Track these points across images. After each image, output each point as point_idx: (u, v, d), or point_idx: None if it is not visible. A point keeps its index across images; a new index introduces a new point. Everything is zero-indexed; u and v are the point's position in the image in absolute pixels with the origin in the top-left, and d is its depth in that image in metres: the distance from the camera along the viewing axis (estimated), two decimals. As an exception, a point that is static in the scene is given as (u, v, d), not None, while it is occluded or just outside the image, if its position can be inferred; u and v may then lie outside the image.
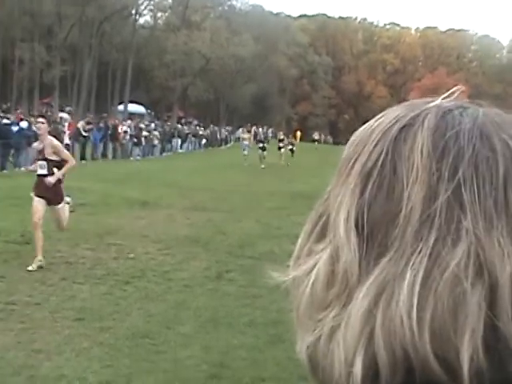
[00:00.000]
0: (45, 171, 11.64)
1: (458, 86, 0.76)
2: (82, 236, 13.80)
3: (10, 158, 29.72)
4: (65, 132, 35.10)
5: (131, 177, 27.22)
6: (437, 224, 0.63)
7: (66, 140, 35.16)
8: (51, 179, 11.54)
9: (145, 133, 46.64)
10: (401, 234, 0.64)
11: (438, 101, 0.73)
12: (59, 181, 11.81)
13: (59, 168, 11.76)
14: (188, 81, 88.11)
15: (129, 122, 46.94)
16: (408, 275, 0.61)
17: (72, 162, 12.49)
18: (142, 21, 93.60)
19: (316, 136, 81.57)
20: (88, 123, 39.91)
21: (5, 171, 28.09)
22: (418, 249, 0.62)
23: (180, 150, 55.41)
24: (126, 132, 42.75)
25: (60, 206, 11.95)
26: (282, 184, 28.40)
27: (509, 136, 0.67)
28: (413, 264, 0.62)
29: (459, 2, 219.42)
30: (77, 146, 37.23)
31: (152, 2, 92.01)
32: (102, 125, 41.01)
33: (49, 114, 46.55)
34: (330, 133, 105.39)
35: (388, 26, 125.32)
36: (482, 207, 0.63)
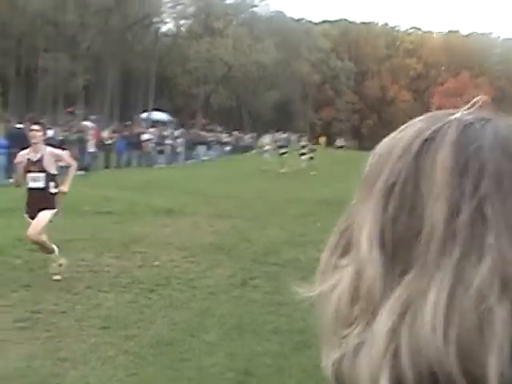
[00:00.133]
0: (41, 184, 10.82)
1: (481, 96, 0.75)
2: (107, 244, 13.84)
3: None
4: (89, 140, 35.29)
5: (156, 185, 27.27)
6: (460, 240, 0.62)
7: (91, 148, 35.36)
8: (64, 188, 11.16)
9: (168, 141, 46.71)
10: (424, 251, 0.64)
11: (460, 112, 0.72)
12: (54, 193, 11.09)
13: (52, 181, 11.02)
14: (211, 88, 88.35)
15: (152, 129, 47.01)
16: (432, 293, 0.61)
17: (74, 166, 11.98)
18: (164, 29, 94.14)
19: (340, 142, 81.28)
20: (112, 132, 40.08)
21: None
22: (442, 266, 0.62)
23: (204, 158, 55.40)
24: (149, 140, 42.83)
25: (46, 211, 10.91)
26: (307, 190, 28.33)
27: None
28: (437, 281, 0.61)
29: (482, 6, 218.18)
30: (101, 155, 37.39)
31: (174, 10, 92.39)
32: (126, 133, 41.14)
33: (74, 122, 46.91)
34: (354, 138, 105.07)
35: (410, 31, 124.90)
36: (505, 222, 0.62)
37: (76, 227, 15.47)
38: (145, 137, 42.87)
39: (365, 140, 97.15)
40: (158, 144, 44.42)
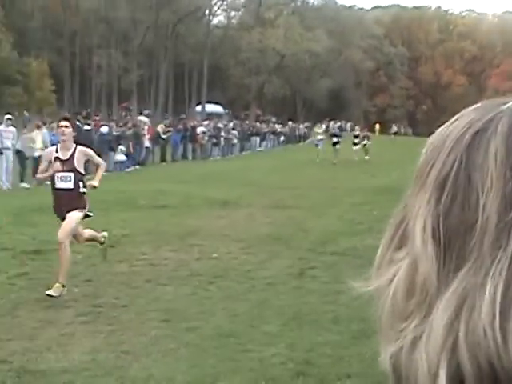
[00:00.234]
0: (70, 185, 10.06)
1: None
2: (165, 238, 13.95)
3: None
4: (144, 135, 35.59)
5: (211, 177, 27.40)
6: None
7: (147, 143, 35.67)
8: (94, 182, 10.43)
9: (223, 133, 46.85)
10: (478, 244, 0.63)
11: None
12: (83, 193, 10.36)
13: (81, 181, 10.31)
14: (263, 78, 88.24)
15: (206, 122, 47.18)
16: (488, 286, 0.60)
17: (104, 165, 11.29)
18: (215, 21, 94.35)
19: (394, 129, 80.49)
20: (167, 126, 40.33)
21: (87, 176, 28.59)
22: (497, 258, 0.61)
23: (259, 149, 55.45)
24: (204, 133, 42.99)
25: (75, 212, 10.12)
26: (362, 179, 28.17)
27: None
28: (493, 274, 0.61)
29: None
30: (157, 149, 37.68)
31: (225, 2, 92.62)
32: (180, 126, 41.36)
33: (128, 117, 47.35)
34: (409, 124, 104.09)
35: (464, 14, 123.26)
36: None
37: (133, 222, 15.65)
38: (199, 130, 43.06)
39: (420, 126, 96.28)
40: (212, 136, 44.59)
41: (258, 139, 56.09)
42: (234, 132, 49.66)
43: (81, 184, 10.21)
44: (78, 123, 29.89)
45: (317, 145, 42.88)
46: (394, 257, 0.71)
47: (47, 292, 9.25)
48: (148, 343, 7.73)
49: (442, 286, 0.64)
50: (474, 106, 0.73)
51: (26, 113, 42.82)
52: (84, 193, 10.33)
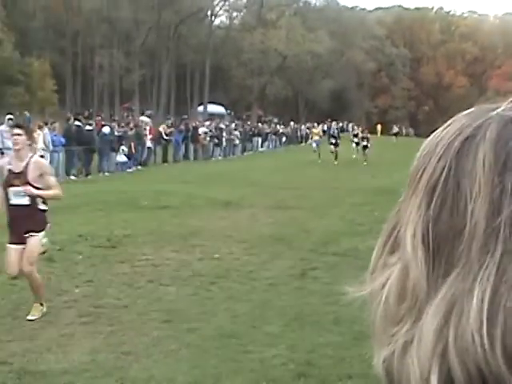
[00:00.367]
0: (26, 201, 8.59)
1: None
2: (167, 238, 13.94)
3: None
4: (146, 135, 35.63)
5: (213, 177, 27.41)
6: (502, 238, 0.62)
7: (148, 143, 35.70)
8: (35, 191, 8.61)
9: (225, 133, 46.88)
10: (467, 250, 0.64)
11: (503, 106, 0.71)
12: (43, 210, 8.90)
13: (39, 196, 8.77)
14: (266, 79, 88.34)
15: (207, 122, 47.18)
16: (476, 291, 0.61)
17: (60, 192, 9.16)
18: (217, 21, 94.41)
19: (395, 129, 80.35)
20: (169, 126, 40.36)
21: (89, 177, 28.66)
22: (485, 264, 0.62)
23: (261, 149, 55.51)
24: (206, 133, 43.03)
25: (35, 237, 8.76)
26: (364, 180, 28.20)
27: None
28: (480, 280, 0.61)
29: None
30: (158, 149, 37.72)
31: (227, 3, 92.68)
32: (182, 127, 41.40)
33: (129, 117, 47.40)
34: (411, 125, 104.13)
35: (465, 15, 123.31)
36: None
37: (135, 222, 15.64)
38: (201, 130, 43.08)
39: (421, 126, 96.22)
40: (214, 137, 44.62)
41: (259, 140, 56.15)
42: (236, 133, 49.70)
43: (39, 200, 8.78)
44: (79, 123, 29.99)
45: (314, 145, 42.65)
46: (387, 261, 0.72)
47: (28, 317, 8.58)
48: (149, 344, 7.72)
49: (431, 291, 0.65)
50: (467, 111, 0.73)
51: (26, 113, 42.83)
52: (44, 210, 8.95)
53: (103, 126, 32.97)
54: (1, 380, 6.60)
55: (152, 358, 7.26)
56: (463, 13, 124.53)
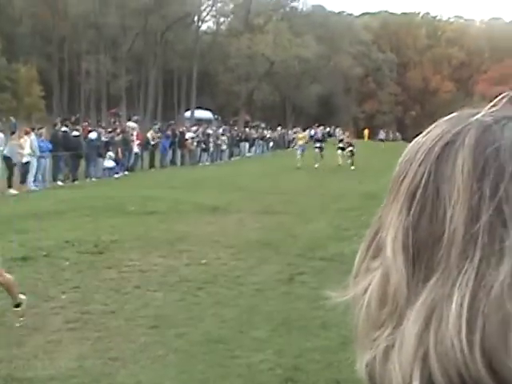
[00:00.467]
0: None
1: (507, 93, 0.74)
2: (154, 244, 13.91)
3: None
4: (133, 141, 35.56)
5: (200, 183, 27.37)
6: (480, 244, 0.63)
7: (135, 149, 35.64)
8: None
9: (212, 138, 46.84)
10: (446, 255, 0.64)
11: (483, 112, 0.71)
12: None
13: None
14: (253, 84, 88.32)
15: (194, 128, 47.10)
16: (455, 297, 0.62)
17: None
18: (204, 27, 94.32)
19: (381, 135, 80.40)
20: (156, 132, 40.30)
21: (76, 182, 28.58)
22: (464, 269, 0.63)
23: (248, 154, 55.49)
24: (192, 138, 42.97)
25: None
26: (351, 185, 28.19)
27: None
28: (459, 285, 0.62)
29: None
30: (145, 155, 37.66)
31: (214, 8, 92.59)
32: (169, 132, 41.33)
33: (116, 123, 47.32)
34: (398, 129, 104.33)
35: (452, 20, 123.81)
36: None
37: (122, 228, 15.60)
38: (188, 135, 43.04)
39: (408, 131, 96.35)
40: (201, 142, 44.57)
41: (247, 145, 56.14)
42: (223, 138, 49.67)
43: None
44: (66, 129, 29.92)
45: (299, 150, 41.86)
46: (370, 265, 0.73)
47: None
48: (136, 349, 7.70)
49: (411, 296, 0.66)
50: (448, 116, 0.74)
51: (12, 118, 42.65)
52: None
53: (90, 131, 32.90)
54: (-13, 387, 6.58)
55: (139, 363, 7.25)
56: (449, 18, 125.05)
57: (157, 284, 10.77)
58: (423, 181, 0.68)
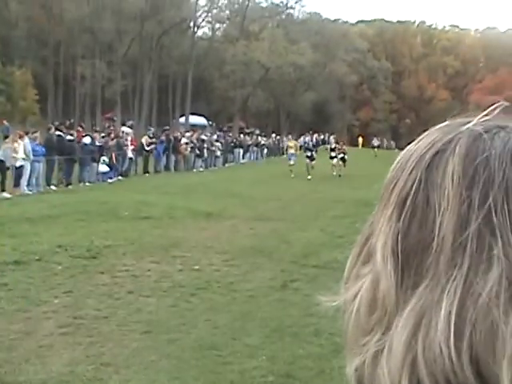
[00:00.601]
0: None
1: (500, 103, 0.75)
2: (147, 249, 13.90)
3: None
4: (128, 146, 35.51)
5: (194, 188, 27.36)
6: (469, 252, 0.63)
7: (130, 154, 35.60)
8: None
9: (207, 144, 46.81)
10: (435, 262, 0.65)
11: (475, 121, 0.72)
12: None
13: None
14: (248, 91, 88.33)
15: (188, 133, 47.00)
16: (444, 304, 0.62)
17: None
18: (200, 33, 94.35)
19: (375, 142, 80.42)
20: (151, 137, 40.25)
21: (70, 187, 28.51)
22: (453, 277, 0.63)
23: (242, 161, 55.50)
24: (187, 144, 42.93)
25: None
26: (345, 192, 28.24)
27: None
28: (448, 292, 0.63)
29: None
30: (139, 160, 37.61)
31: (210, 14, 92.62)
32: (163, 138, 41.29)
33: (111, 128, 47.26)
34: (392, 138, 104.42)
35: (447, 28, 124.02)
36: None
37: (115, 232, 15.58)
38: (183, 141, 43.00)
39: (403, 139, 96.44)
40: (196, 148, 44.54)
41: (241, 151, 56.13)
42: (218, 144, 49.65)
43: None
44: (60, 133, 29.85)
45: (290, 159, 41.45)
46: (360, 271, 0.73)
47: None
48: (129, 355, 7.68)
49: (400, 303, 0.66)
50: (440, 125, 0.75)
51: (5, 122, 42.60)
52: None
53: (84, 136, 32.84)
54: (-22, 391, 6.55)
55: (131, 369, 7.23)
56: (445, 27, 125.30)
57: (150, 289, 10.75)
58: (414, 188, 0.69)
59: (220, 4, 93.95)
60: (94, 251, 13.30)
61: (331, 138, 72.47)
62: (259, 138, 65.34)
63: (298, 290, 10.90)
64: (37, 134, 27.67)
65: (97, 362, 7.42)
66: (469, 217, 0.64)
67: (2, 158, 24.45)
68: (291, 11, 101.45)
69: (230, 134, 62.90)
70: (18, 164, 24.29)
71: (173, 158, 41.81)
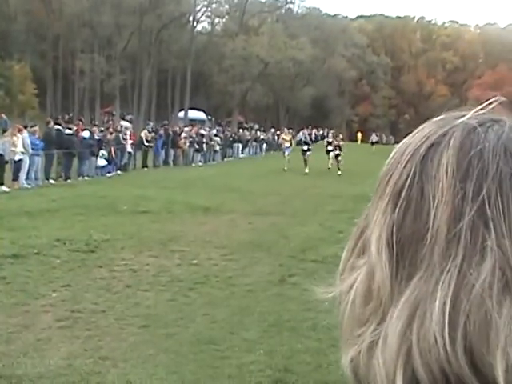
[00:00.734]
0: None
1: (496, 98, 0.75)
2: (146, 243, 13.90)
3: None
4: (127, 140, 35.49)
5: (193, 183, 27.35)
6: (463, 243, 0.64)
7: (128, 148, 35.58)
8: None
9: (205, 139, 46.77)
10: (429, 254, 0.66)
11: (470, 114, 0.73)
12: None
13: None
14: (247, 86, 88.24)
15: (186, 128, 46.93)
16: (438, 295, 0.63)
17: None
18: (199, 27, 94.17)
19: (374, 138, 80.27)
20: (150, 132, 40.23)
21: (69, 181, 28.50)
22: (447, 268, 0.64)
23: (241, 155, 55.48)
24: (185, 138, 42.88)
25: None
26: (344, 186, 28.21)
27: None
28: (442, 283, 0.63)
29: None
30: (138, 154, 37.59)
31: (209, 9, 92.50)
32: (161, 132, 41.26)
33: (110, 122, 47.24)
34: (391, 133, 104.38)
35: (447, 24, 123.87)
36: (507, 224, 0.64)
37: (114, 227, 15.57)
38: (182, 136, 42.97)
39: (402, 135, 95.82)
40: (195, 143, 44.51)
41: (240, 146, 56.10)
42: (217, 138, 49.61)
43: None
44: (59, 127, 29.82)
45: (284, 152, 41.44)
46: (355, 263, 0.74)
47: None
48: (127, 349, 7.68)
49: (395, 294, 0.67)
50: (436, 118, 0.76)
51: (4, 116, 42.50)
52: None
53: (83, 130, 32.81)
54: (-24, 384, 6.55)
55: (129, 363, 7.23)
56: (444, 22, 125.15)
57: (148, 284, 10.75)
58: (408, 180, 0.69)
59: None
60: (93, 245, 13.29)
61: (330, 132, 72.57)
62: (258, 132, 65.38)
63: (296, 285, 10.89)
64: (36, 128, 27.65)
65: (95, 355, 7.42)
66: (463, 209, 0.65)
67: (1, 152, 24.43)
68: (291, 6, 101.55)
69: (229, 129, 62.95)
70: (16, 158, 24.28)
71: (172, 152, 41.79)
